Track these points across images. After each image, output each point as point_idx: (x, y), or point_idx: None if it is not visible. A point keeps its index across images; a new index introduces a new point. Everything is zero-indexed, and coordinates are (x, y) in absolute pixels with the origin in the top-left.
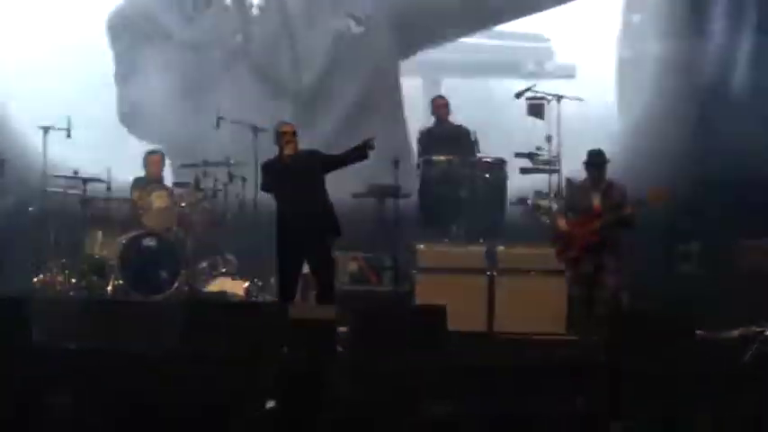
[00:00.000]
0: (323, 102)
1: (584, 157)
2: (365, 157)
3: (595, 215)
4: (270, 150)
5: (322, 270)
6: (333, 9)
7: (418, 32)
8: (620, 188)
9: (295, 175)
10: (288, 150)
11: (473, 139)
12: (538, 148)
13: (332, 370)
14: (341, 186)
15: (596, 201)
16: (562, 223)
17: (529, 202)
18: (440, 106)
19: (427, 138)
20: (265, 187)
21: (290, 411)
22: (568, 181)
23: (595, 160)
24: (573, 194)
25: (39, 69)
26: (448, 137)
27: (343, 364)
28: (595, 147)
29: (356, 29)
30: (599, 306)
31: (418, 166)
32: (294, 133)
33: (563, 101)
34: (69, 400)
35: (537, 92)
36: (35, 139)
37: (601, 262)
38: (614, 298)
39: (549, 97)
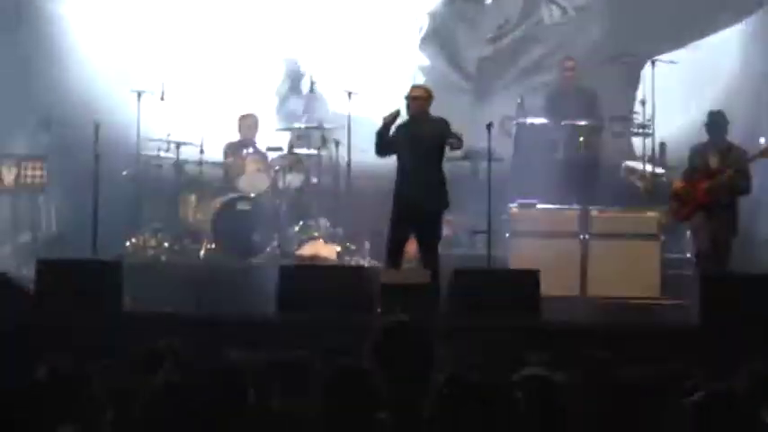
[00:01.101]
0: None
1: (677, 121)
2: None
3: (710, 175)
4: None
5: (426, 242)
6: None
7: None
8: (740, 151)
9: (414, 139)
10: (412, 111)
11: (597, 101)
12: (632, 112)
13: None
14: None
15: (713, 162)
16: (678, 182)
17: (624, 165)
18: (568, 68)
19: (554, 97)
20: (380, 149)
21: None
22: (691, 146)
23: (714, 121)
24: (693, 156)
25: (133, 33)
26: (575, 97)
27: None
28: (689, 111)
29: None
30: (707, 265)
31: (510, 129)
32: (419, 98)
33: (657, 64)
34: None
35: (632, 54)
36: (130, 103)
37: (713, 219)
38: (722, 253)
39: (645, 60)
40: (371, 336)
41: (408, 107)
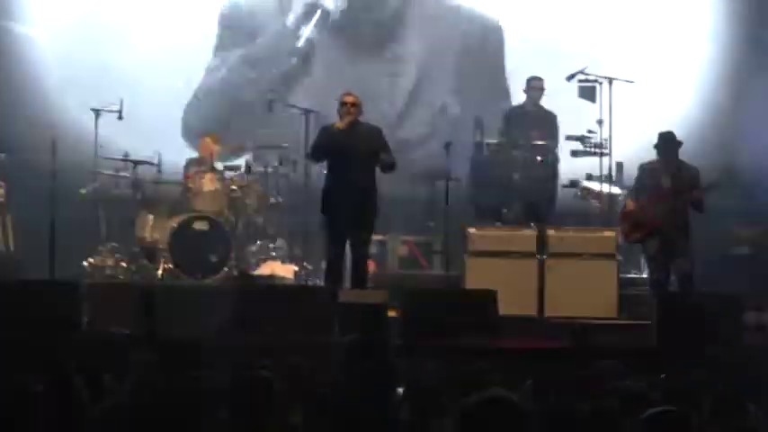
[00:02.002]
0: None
1: (634, 141)
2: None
3: (664, 196)
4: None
5: (356, 249)
6: None
7: None
8: (691, 170)
9: (348, 146)
10: (345, 120)
11: (557, 124)
12: (589, 131)
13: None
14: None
15: (666, 182)
16: (630, 204)
17: (580, 185)
18: (536, 88)
19: (517, 117)
20: (315, 153)
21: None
22: (640, 165)
23: (667, 141)
24: (642, 176)
25: (93, 51)
26: (537, 119)
27: (394, 347)
28: (645, 130)
29: None
30: (663, 289)
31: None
32: (354, 104)
33: (614, 83)
34: (120, 386)
35: (588, 74)
36: (87, 121)
37: (668, 244)
38: (683, 282)
39: (601, 80)
40: (334, 355)
41: (341, 113)
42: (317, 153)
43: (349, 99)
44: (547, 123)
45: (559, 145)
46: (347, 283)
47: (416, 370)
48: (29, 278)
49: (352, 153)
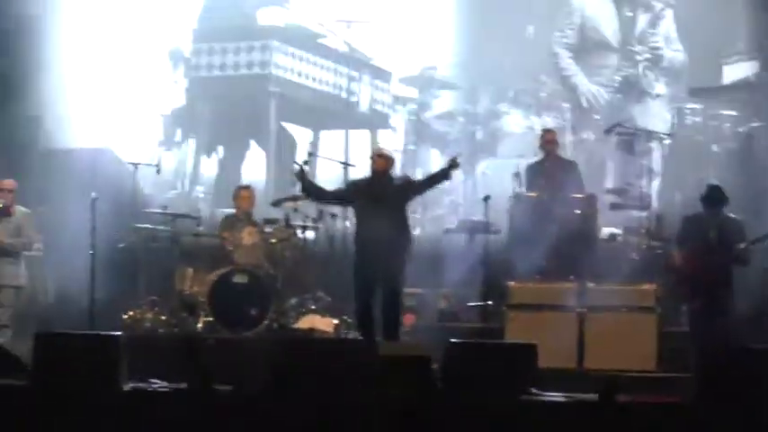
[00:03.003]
0: None
1: (674, 194)
2: (449, 177)
3: (710, 250)
4: None
5: (387, 301)
6: None
7: None
8: (737, 223)
9: (378, 196)
10: (375, 168)
11: (578, 171)
12: (628, 184)
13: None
14: (433, 221)
15: (713, 235)
16: (677, 256)
17: (619, 238)
18: (549, 141)
19: (533, 172)
20: (343, 196)
21: None
22: (684, 217)
23: (713, 195)
24: (688, 228)
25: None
26: (556, 170)
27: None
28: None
29: None
30: (704, 343)
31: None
32: (382, 156)
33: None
34: None
35: (627, 127)
36: (126, 175)
37: (712, 299)
38: (726, 336)
39: (639, 133)
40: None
41: (372, 165)
42: (312, 196)
43: (380, 152)
44: (568, 172)
45: (601, 198)
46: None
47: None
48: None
49: (379, 205)
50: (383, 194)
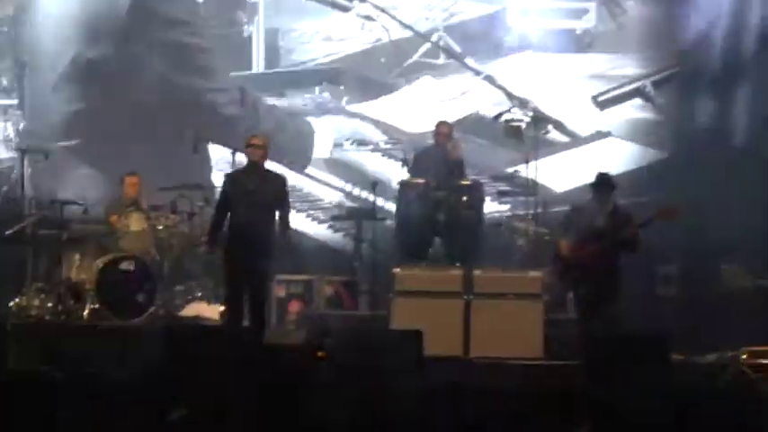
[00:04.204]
0: None
1: (558, 181)
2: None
3: (597, 238)
4: None
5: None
6: None
7: None
8: (625, 211)
9: (253, 193)
10: (252, 160)
11: (463, 166)
12: (515, 171)
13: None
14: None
15: (600, 223)
16: (564, 245)
17: (506, 225)
18: (442, 134)
19: (421, 160)
20: (223, 203)
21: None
22: (573, 205)
23: (602, 182)
24: (576, 216)
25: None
26: (442, 160)
27: (319, 388)
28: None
29: None
30: (594, 331)
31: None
32: (260, 146)
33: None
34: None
35: (515, 114)
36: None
37: (600, 286)
38: (610, 323)
39: (527, 119)
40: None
41: (248, 155)
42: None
43: (255, 141)
44: (452, 164)
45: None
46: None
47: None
48: None
49: (252, 199)
50: (257, 191)
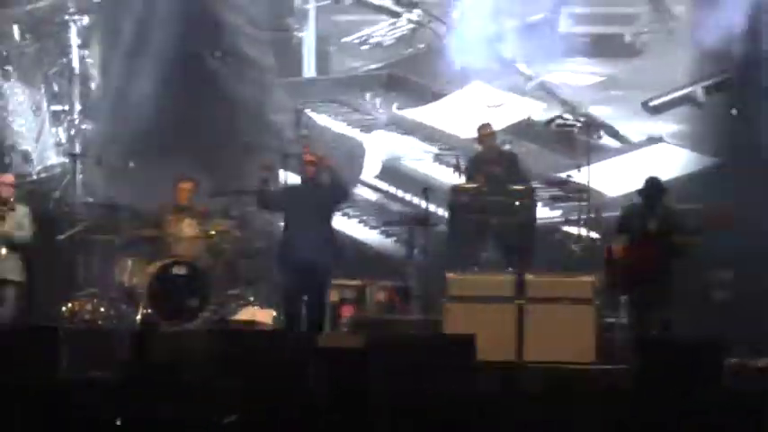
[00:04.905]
0: None
1: (611, 186)
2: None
3: (649, 241)
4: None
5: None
6: None
7: None
8: (676, 216)
9: (305, 202)
10: (305, 175)
11: (519, 163)
12: (568, 176)
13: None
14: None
15: (652, 226)
16: (616, 249)
17: (558, 229)
18: (486, 135)
19: (474, 164)
20: (269, 205)
21: None
22: (625, 210)
23: (652, 187)
24: (628, 220)
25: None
26: (497, 161)
27: (371, 393)
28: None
29: None
30: (646, 335)
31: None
32: (313, 162)
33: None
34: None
35: (566, 119)
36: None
37: (652, 290)
38: (663, 327)
39: (579, 125)
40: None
41: (302, 170)
42: (261, 203)
43: (308, 157)
44: (507, 164)
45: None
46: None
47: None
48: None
49: (306, 210)
50: (312, 197)
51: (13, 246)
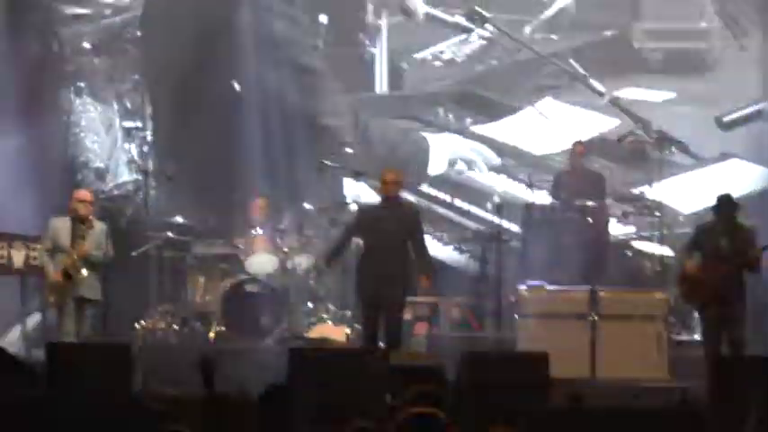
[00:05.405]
0: None
1: (684, 202)
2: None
3: (723, 258)
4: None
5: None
6: None
7: None
8: (749, 231)
9: (385, 223)
10: (385, 195)
11: (604, 184)
12: (641, 192)
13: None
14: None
15: (725, 244)
16: (689, 265)
17: (631, 246)
18: (579, 153)
19: (561, 180)
20: (351, 229)
21: None
22: (697, 226)
23: (724, 203)
24: (701, 237)
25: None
26: (583, 179)
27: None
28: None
29: None
30: (719, 352)
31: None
32: (396, 182)
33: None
34: None
35: (639, 135)
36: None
37: (725, 307)
38: (737, 345)
39: (651, 140)
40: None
41: (382, 190)
42: (351, 230)
43: (389, 177)
44: (593, 183)
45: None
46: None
47: None
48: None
49: (385, 231)
50: (386, 221)
51: (92, 265)
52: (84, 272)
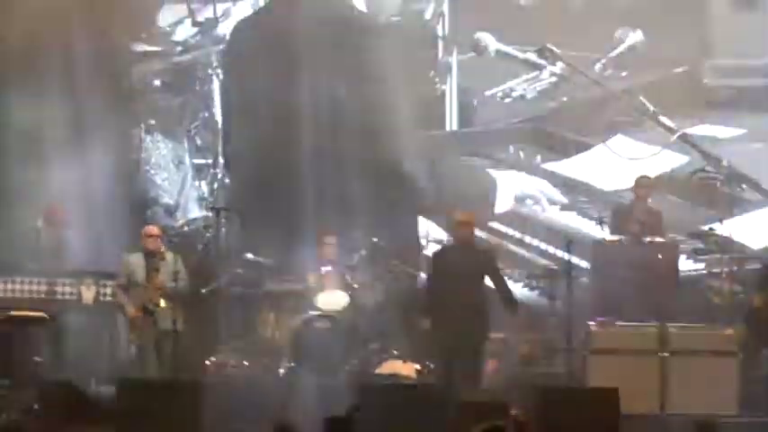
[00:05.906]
0: None
1: (754, 239)
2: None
3: None
4: None
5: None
6: None
7: None
8: None
9: (459, 267)
10: (458, 238)
11: (662, 222)
12: (710, 229)
13: None
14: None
15: None
16: (758, 300)
17: (701, 282)
18: (644, 187)
19: (621, 214)
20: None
21: None
22: (765, 260)
23: None
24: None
25: None
26: (640, 216)
27: None
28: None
29: None
30: None
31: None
32: (468, 223)
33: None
34: None
35: (709, 172)
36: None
37: None
38: None
39: (721, 177)
40: None
41: (455, 232)
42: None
43: (463, 218)
44: (652, 221)
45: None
46: None
47: None
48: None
49: (458, 275)
50: (463, 264)
51: (168, 296)
52: (163, 303)
